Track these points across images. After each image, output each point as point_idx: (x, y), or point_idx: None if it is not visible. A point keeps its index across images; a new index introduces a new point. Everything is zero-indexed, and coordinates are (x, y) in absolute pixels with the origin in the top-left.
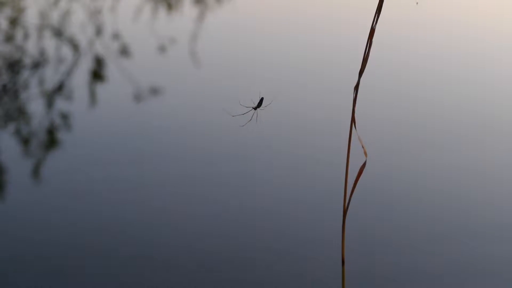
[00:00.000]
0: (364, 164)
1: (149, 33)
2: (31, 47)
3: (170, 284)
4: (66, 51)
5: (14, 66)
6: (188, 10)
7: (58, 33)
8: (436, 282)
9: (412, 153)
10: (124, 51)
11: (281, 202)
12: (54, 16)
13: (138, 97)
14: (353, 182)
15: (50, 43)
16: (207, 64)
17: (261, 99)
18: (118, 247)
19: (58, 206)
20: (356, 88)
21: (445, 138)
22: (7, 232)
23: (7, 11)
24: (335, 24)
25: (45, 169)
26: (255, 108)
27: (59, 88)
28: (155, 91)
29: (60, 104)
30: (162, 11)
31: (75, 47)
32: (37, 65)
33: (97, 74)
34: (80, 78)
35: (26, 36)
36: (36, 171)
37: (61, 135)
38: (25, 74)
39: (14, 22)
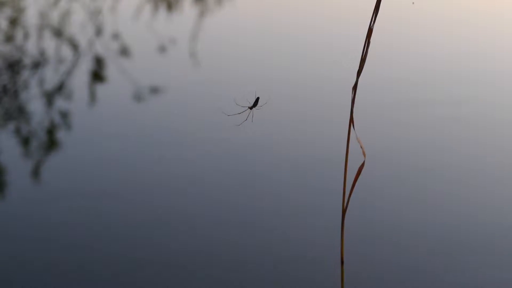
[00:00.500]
0: (363, 164)
1: (149, 33)
2: (31, 47)
3: (171, 284)
4: (66, 51)
5: (14, 66)
6: (188, 10)
7: (58, 33)
8: (436, 282)
9: (411, 153)
10: (124, 51)
11: (280, 202)
12: (54, 16)
13: (138, 97)
14: (352, 182)
15: (50, 43)
16: (207, 64)
17: (257, 99)
18: (118, 246)
19: (58, 206)
20: (355, 88)
21: (445, 138)
22: (7, 232)
23: (7, 11)
24: (333, 24)
25: (45, 169)
26: (250, 108)
27: (59, 88)
28: (155, 91)
29: (60, 104)
30: (162, 11)
31: (75, 47)
32: (37, 65)
33: (97, 74)
34: (80, 78)
35: (26, 36)
36: (36, 171)
37: (61, 135)
38: (25, 74)
39: (14, 22)
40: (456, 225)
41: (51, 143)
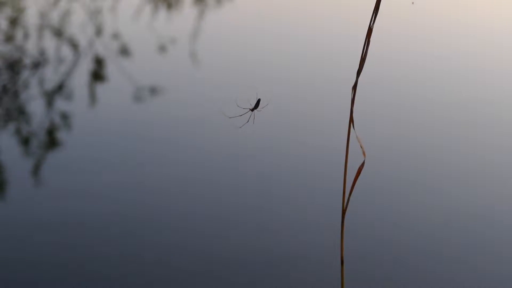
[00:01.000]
0: (363, 164)
1: (149, 33)
2: (31, 47)
3: (171, 284)
4: (66, 51)
5: (14, 66)
6: (188, 10)
7: (58, 33)
8: (436, 282)
9: (410, 152)
10: (124, 51)
11: (280, 202)
12: (54, 16)
13: (138, 97)
14: (352, 181)
15: (50, 43)
16: (207, 64)
17: (258, 100)
18: (118, 247)
19: (58, 206)
20: (354, 88)
21: (444, 138)
22: (7, 232)
23: (7, 11)
24: (333, 24)
25: (45, 169)
26: (252, 110)
27: (59, 88)
28: (155, 91)
29: (60, 104)
30: (162, 11)
31: (75, 47)
32: (37, 65)
33: (97, 74)
34: (80, 78)
35: (26, 36)
36: (36, 171)
37: (61, 135)
38: (25, 74)
39: (14, 22)
40: (457, 225)
41: (51, 143)
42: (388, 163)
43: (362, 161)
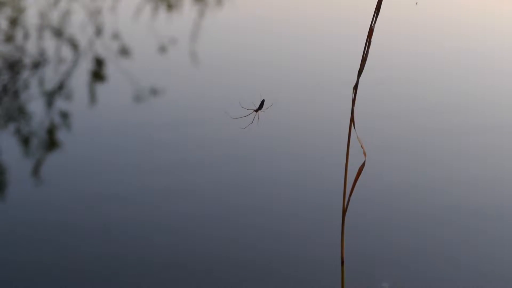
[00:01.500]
0: (364, 164)
1: (149, 33)
2: (31, 47)
3: (171, 283)
4: (66, 51)
5: (14, 66)
6: (188, 10)
7: (58, 33)
8: (436, 282)
9: (411, 152)
10: (124, 51)
11: (281, 202)
12: (54, 16)
13: (138, 97)
14: (353, 181)
15: (50, 43)
16: (207, 64)
17: (262, 101)
18: (118, 247)
19: (58, 206)
20: (355, 88)
21: (445, 138)
22: (7, 232)
23: (7, 11)
24: (334, 24)
25: (45, 169)
26: (256, 110)
27: (59, 88)
28: (155, 91)
29: (60, 104)
30: (162, 11)
31: (75, 47)
32: (37, 65)
33: (97, 74)
34: (80, 78)
35: (26, 36)
36: (36, 171)
37: (61, 135)
38: (25, 74)
39: (14, 22)
40: (458, 225)
41: (51, 143)
42: (388, 163)
43: (363, 161)
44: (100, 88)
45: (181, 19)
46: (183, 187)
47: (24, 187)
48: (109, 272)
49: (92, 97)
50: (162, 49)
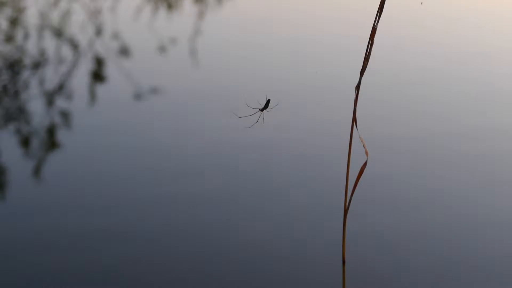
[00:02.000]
0: (365, 164)
1: (149, 33)
2: (31, 47)
3: (171, 283)
4: (66, 51)
5: (14, 66)
6: (188, 10)
7: (58, 33)
8: (437, 282)
9: (413, 153)
10: (124, 51)
11: (282, 202)
12: (54, 16)
13: (138, 97)
14: (354, 181)
15: (50, 43)
16: (207, 64)
17: (268, 101)
18: (118, 247)
19: (58, 206)
20: (358, 87)
21: (447, 138)
22: (7, 232)
23: (7, 11)
24: (336, 24)
25: (45, 169)
26: (261, 110)
27: (59, 88)
28: (155, 91)
29: (60, 104)
30: (162, 11)
31: (75, 47)
32: (37, 65)
33: (97, 74)
34: (80, 78)
35: (26, 36)
36: (36, 171)
37: (61, 135)
38: (25, 74)
39: (14, 22)
40: (459, 225)
41: (51, 143)
42: (390, 163)
43: (364, 161)
44: (100, 88)
45: (181, 19)
46: (183, 187)
47: (24, 187)
48: (109, 272)
49: (92, 97)
50: (162, 49)
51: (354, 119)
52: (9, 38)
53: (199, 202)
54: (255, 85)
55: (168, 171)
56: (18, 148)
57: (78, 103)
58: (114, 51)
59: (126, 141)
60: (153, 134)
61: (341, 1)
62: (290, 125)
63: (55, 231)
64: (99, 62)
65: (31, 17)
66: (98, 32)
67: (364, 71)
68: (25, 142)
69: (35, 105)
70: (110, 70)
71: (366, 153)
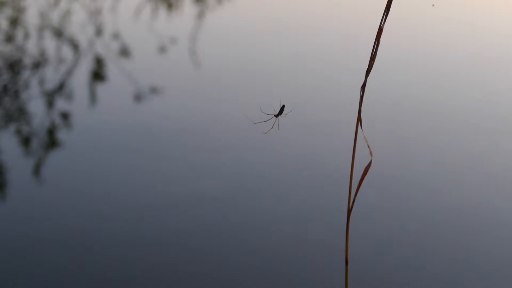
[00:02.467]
0: (369, 164)
1: (149, 33)
2: (31, 47)
3: (172, 283)
4: (66, 51)
5: (14, 66)
6: (188, 10)
7: (58, 33)
8: (438, 282)
9: (417, 153)
10: (124, 51)
11: (286, 202)
12: (54, 16)
13: (138, 97)
14: (358, 181)
15: (50, 43)
16: (207, 64)
17: (283, 107)
18: (118, 247)
19: (58, 206)
20: (363, 87)
21: (452, 139)
22: (7, 232)
23: (7, 11)
24: (342, 24)
25: (45, 169)
26: (276, 116)
27: (60, 88)
28: (155, 91)
29: (61, 104)
30: (162, 11)
31: (75, 47)
32: (37, 65)
33: (97, 74)
34: (80, 78)
35: (26, 36)
36: (36, 171)
37: (61, 135)
38: (25, 74)
39: (14, 22)
40: (460, 225)
41: (51, 143)
42: (394, 163)
43: (369, 161)
44: (100, 88)
45: (181, 19)
46: (183, 187)
47: (24, 187)
48: (109, 272)
49: (92, 97)
50: (162, 49)
51: (359, 119)
52: (9, 38)
53: (199, 202)
54: (254, 85)
55: (168, 171)
56: (18, 148)
57: (78, 103)
58: (114, 51)
59: (126, 141)
60: (152, 134)
61: (347, 1)
62: (294, 125)
63: (55, 231)
64: (99, 62)
65: (31, 17)
66: (98, 32)
67: (370, 71)
68: (25, 142)
69: (35, 105)
70: (110, 70)
71: (371, 153)
